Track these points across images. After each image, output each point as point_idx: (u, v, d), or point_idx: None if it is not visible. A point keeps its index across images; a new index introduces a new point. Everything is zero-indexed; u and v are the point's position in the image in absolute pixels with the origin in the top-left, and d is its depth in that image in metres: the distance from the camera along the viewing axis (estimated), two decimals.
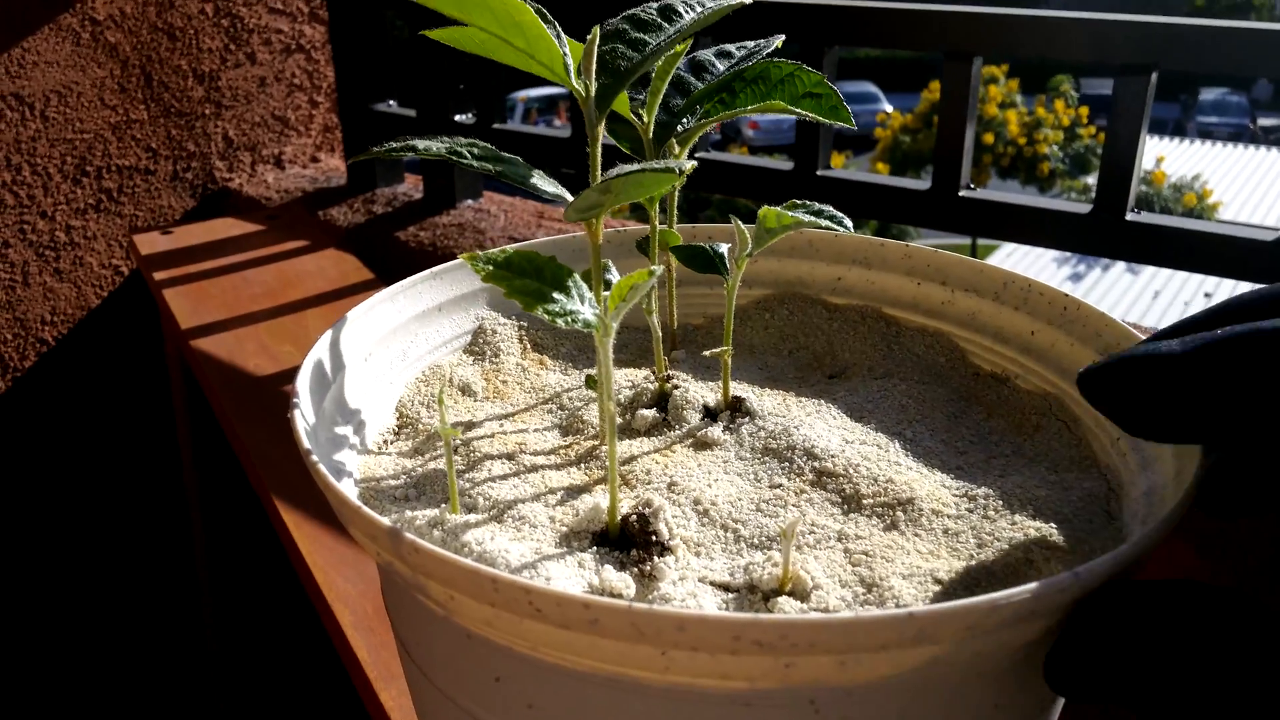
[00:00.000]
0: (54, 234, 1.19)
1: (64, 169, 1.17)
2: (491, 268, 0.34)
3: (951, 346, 0.48)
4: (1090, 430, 0.40)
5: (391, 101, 1.24)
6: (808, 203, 0.43)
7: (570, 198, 0.39)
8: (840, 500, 0.38)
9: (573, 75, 0.39)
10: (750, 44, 0.45)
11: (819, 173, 0.89)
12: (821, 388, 0.48)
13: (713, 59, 0.45)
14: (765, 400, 0.45)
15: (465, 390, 0.48)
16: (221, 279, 1.02)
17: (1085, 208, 0.77)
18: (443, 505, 0.38)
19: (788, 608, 0.32)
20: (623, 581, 0.33)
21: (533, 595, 0.27)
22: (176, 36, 1.22)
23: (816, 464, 0.39)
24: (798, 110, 0.43)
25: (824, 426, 0.43)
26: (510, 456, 0.42)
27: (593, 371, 0.50)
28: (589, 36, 0.39)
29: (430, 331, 0.50)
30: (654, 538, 0.35)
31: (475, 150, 0.40)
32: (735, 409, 0.44)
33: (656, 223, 0.46)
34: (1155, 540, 0.29)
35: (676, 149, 0.45)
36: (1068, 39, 0.74)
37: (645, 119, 0.43)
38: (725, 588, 0.33)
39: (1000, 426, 0.43)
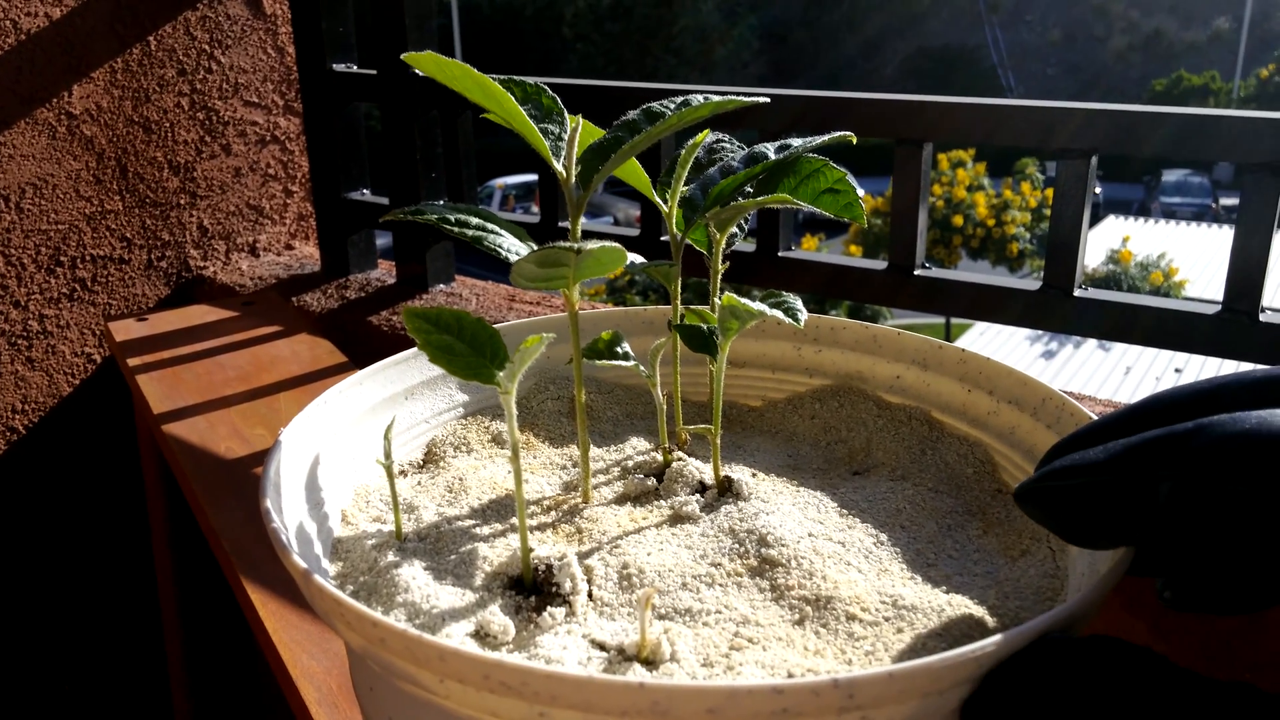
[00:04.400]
0: (27, 323, 1.20)
1: (38, 259, 1.19)
2: (419, 320, 0.37)
3: (985, 459, 0.48)
4: (1073, 562, 0.40)
5: (365, 190, 1.26)
6: (776, 292, 0.45)
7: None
8: (769, 588, 0.38)
9: (559, 158, 0.41)
10: (817, 139, 0.46)
11: (780, 254, 0.92)
12: (834, 482, 0.48)
13: (770, 150, 0.46)
14: (761, 485, 0.46)
15: (495, 439, 0.52)
16: (195, 364, 1.03)
17: (1035, 285, 0.80)
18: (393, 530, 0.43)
19: (632, 673, 0.33)
20: (501, 625, 0.35)
21: (343, 607, 0.31)
22: (152, 129, 1.25)
23: (765, 551, 0.40)
24: (802, 204, 0.44)
25: (799, 518, 0.43)
26: (496, 500, 0.45)
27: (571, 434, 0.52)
28: (572, 125, 0.42)
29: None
30: (555, 589, 0.37)
31: (463, 218, 0.42)
32: (726, 489, 0.45)
33: (679, 302, 0.48)
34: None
35: (717, 234, 0.47)
36: (1011, 125, 0.77)
37: (669, 203, 0.46)
38: (601, 647, 0.35)
39: (990, 545, 0.43)
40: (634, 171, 0.46)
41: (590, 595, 0.38)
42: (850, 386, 0.54)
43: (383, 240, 1.35)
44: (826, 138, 0.46)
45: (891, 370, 0.53)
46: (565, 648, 0.34)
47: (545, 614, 0.36)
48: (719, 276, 0.48)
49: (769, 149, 0.46)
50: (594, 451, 0.50)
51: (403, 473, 0.49)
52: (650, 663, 0.33)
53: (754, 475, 0.47)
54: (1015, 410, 0.47)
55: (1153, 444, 0.29)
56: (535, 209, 1.57)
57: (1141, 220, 14.01)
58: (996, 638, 0.28)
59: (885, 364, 0.53)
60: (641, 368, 0.46)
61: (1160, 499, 0.29)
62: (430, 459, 0.50)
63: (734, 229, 0.48)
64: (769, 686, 0.26)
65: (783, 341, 0.56)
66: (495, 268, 1.13)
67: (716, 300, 0.49)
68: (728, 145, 0.49)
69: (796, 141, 0.46)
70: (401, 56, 0.40)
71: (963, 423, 0.50)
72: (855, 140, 0.47)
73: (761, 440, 0.53)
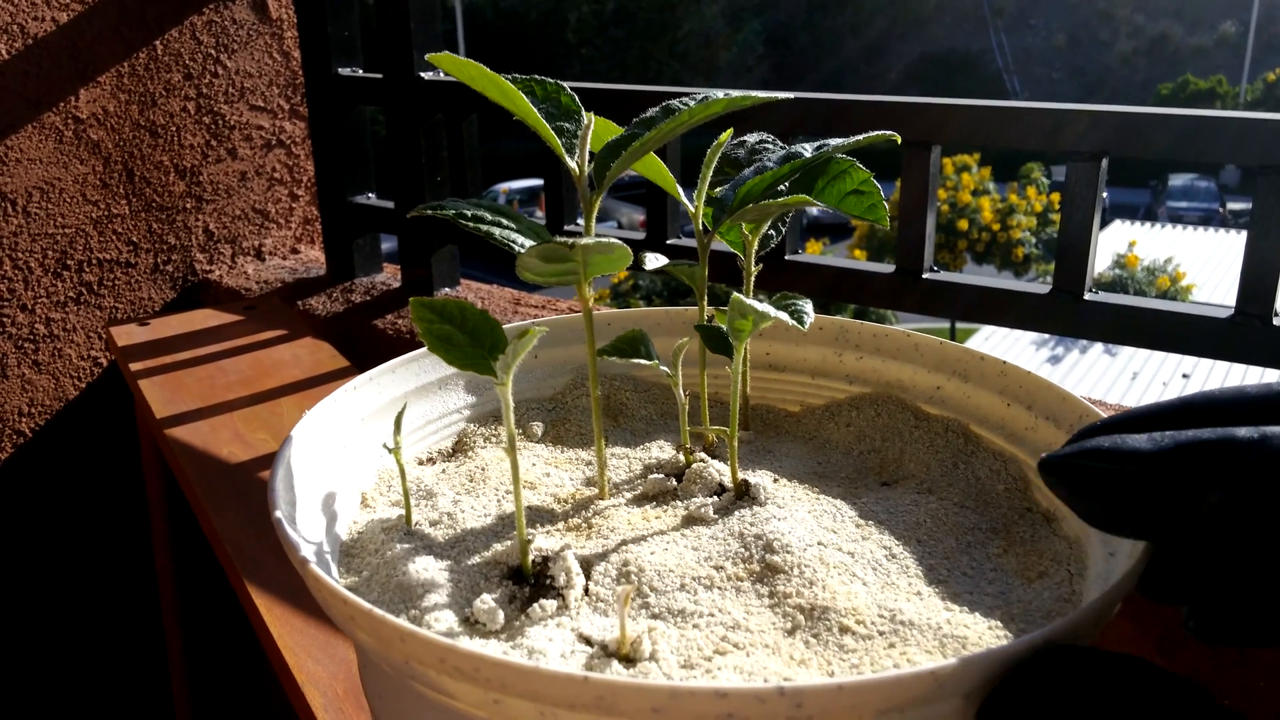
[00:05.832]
0: (33, 326, 1.20)
1: (45, 263, 1.19)
2: (424, 310, 0.37)
3: (1018, 476, 0.47)
4: (1089, 588, 0.39)
5: (370, 194, 1.26)
6: (788, 294, 0.44)
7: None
8: (768, 594, 0.38)
9: (573, 155, 0.42)
10: (855, 138, 0.45)
11: (787, 257, 0.91)
12: (859, 491, 0.47)
13: (806, 150, 0.46)
14: (781, 490, 0.45)
15: (526, 433, 0.53)
16: (198, 369, 1.03)
17: (1045, 288, 0.80)
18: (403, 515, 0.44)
19: (610, 670, 0.33)
20: (489, 613, 0.35)
21: (320, 584, 0.32)
22: (158, 133, 1.25)
23: (769, 557, 0.39)
24: (827, 205, 0.44)
25: (812, 525, 0.42)
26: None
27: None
28: (584, 123, 0.42)
29: (530, 378, 0.56)
30: (549, 581, 0.37)
31: (479, 213, 0.42)
32: (744, 493, 0.44)
33: (704, 304, 0.48)
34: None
35: (749, 236, 0.47)
36: (1021, 128, 0.77)
37: (696, 202, 0.45)
38: (588, 641, 0.35)
39: (1008, 565, 0.42)
40: (658, 170, 0.45)
41: (587, 590, 0.38)
42: (889, 395, 0.53)
43: (387, 244, 1.35)
44: (863, 137, 0.45)
45: (932, 381, 0.52)
46: (551, 640, 0.34)
47: (536, 605, 0.36)
48: (752, 279, 0.47)
49: (806, 149, 0.45)
50: (622, 450, 0.50)
51: (431, 460, 0.50)
52: (630, 660, 0.33)
53: (775, 480, 0.47)
54: (1052, 427, 0.46)
55: (1209, 446, 0.27)
56: (539, 214, 1.57)
57: (1148, 225, 14.00)
58: (955, 659, 0.27)
59: (926, 374, 0.52)
60: (663, 367, 0.45)
61: (1206, 507, 0.26)
62: (460, 449, 0.51)
63: (769, 230, 0.47)
64: (712, 689, 0.26)
65: (824, 347, 0.55)
66: (500, 272, 1.12)
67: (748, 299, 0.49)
68: (770, 145, 0.48)
69: (834, 141, 0.45)
70: (426, 57, 0.40)
71: (1000, 437, 0.49)
72: (900, 139, 0.47)
73: (793, 446, 0.52)
